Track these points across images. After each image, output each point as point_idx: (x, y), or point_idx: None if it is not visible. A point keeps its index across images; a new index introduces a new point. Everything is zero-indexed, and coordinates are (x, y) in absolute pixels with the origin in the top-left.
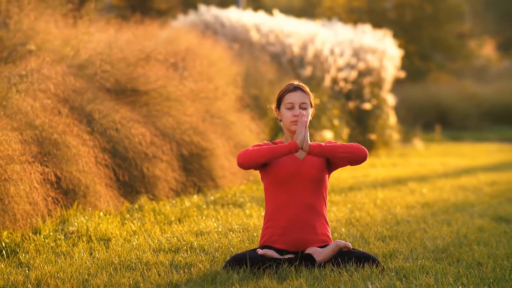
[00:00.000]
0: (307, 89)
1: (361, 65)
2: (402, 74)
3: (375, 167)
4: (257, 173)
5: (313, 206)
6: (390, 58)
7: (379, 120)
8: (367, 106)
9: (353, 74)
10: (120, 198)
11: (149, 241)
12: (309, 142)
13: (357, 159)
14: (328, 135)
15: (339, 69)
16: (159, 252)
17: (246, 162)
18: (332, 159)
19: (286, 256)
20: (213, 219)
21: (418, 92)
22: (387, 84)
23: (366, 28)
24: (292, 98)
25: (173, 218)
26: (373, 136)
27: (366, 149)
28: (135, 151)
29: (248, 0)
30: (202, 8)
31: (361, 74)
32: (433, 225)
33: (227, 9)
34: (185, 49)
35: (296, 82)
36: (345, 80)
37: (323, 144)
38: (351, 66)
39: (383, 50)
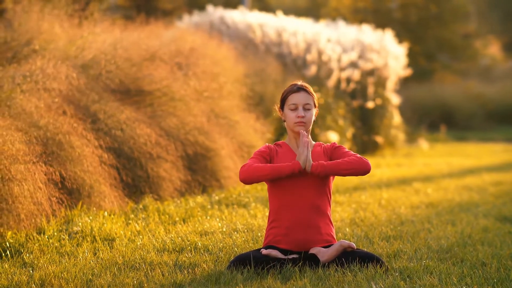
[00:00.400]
0: (311, 89)
1: (365, 65)
2: (407, 73)
3: (380, 167)
4: None
5: (317, 206)
6: (394, 57)
7: (384, 120)
8: (370, 104)
9: (357, 74)
10: (125, 198)
11: (153, 241)
12: (311, 162)
13: (360, 174)
14: (333, 137)
15: (343, 69)
16: (163, 252)
17: (248, 180)
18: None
19: (290, 256)
20: (218, 219)
21: (423, 92)
22: (391, 84)
23: (370, 28)
24: (296, 99)
25: (177, 218)
26: (379, 139)
27: (369, 162)
28: (139, 151)
29: (254, 0)
30: (210, 8)
31: (365, 73)
32: (438, 225)
33: (233, 9)
34: (190, 49)
35: (299, 83)
36: (349, 79)
37: (325, 163)
38: (355, 66)
39: (387, 50)
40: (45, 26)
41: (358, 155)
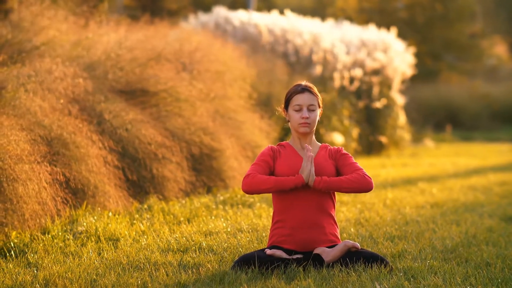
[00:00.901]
0: (315, 89)
1: (370, 65)
2: (412, 72)
3: (385, 167)
4: None
5: (321, 207)
6: (399, 57)
7: (390, 120)
8: (377, 104)
9: (363, 74)
10: (130, 198)
11: (157, 241)
12: (315, 176)
13: (361, 192)
14: (338, 139)
15: (348, 69)
16: (168, 252)
17: (251, 192)
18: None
19: (295, 256)
20: (222, 219)
21: (429, 92)
22: (397, 84)
23: (376, 27)
24: (300, 100)
25: (182, 218)
26: (383, 139)
27: (372, 181)
28: (144, 151)
29: (259, 0)
30: (216, 9)
31: (371, 73)
32: (442, 225)
33: (238, 10)
34: (195, 49)
35: (303, 83)
36: (355, 79)
37: (328, 178)
38: (360, 66)
39: (392, 49)
40: (51, 26)
41: (362, 171)
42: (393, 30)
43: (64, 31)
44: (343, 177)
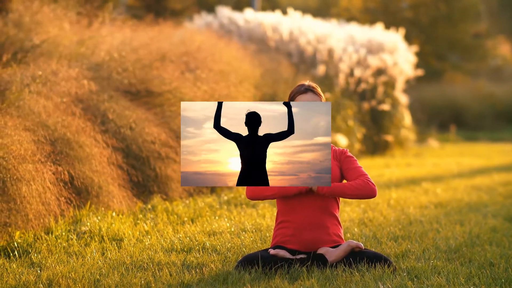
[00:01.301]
0: (319, 89)
1: (375, 65)
2: (417, 73)
3: (390, 167)
4: None
5: (325, 207)
6: (404, 58)
7: (394, 120)
8: (385, 107)
9: (367, 74)
10: (133, 198)
11: (161, 241)
12: None
13: (364, 198)
14: (342, 141)
15: (353, 69)
16: (171, 252)
17: (255, 199)
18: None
19: (298, 256)
20: (226, 219)
21: (434, 92)
22: (401, 84)
23: (380, 28)
24: (303, 100)
25: (186, 218)
26: (389, 137)
27: (376, 188)
28: (148, 150)
29: (264, 0)
30: (220, 9)
31: (375, 73)
32: (446, 225)
33: (243, 10)
34: (199, 49)
35: (307, 83)
36: (359, 79)
37: (331, 184)
38: (364, 66)
39: (397, 50)
40: (52, 24)
41: (366, 177)
42: (401, 31)
43: (67, 30)
44: (347, 183)
